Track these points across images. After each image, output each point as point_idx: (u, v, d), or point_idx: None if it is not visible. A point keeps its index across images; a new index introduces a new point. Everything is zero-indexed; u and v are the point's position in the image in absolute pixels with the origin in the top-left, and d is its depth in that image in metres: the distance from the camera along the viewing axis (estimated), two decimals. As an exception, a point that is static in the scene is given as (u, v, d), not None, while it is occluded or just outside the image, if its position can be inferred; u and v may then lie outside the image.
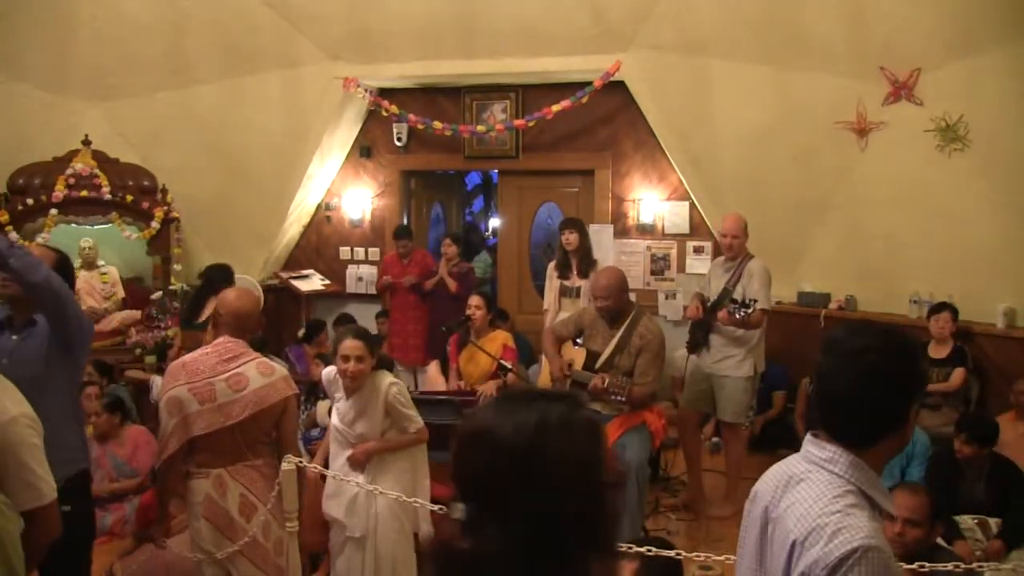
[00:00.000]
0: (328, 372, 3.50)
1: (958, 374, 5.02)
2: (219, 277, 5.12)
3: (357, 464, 3.36)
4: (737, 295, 4.72)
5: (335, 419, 3.45)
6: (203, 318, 4.95)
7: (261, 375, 3.00)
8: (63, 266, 2.96)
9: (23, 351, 2.81)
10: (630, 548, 2.74)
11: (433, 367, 5.35)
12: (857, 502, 1.43)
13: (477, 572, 1.06)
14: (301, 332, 6.59)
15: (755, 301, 4.54)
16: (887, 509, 1.49)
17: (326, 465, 3.55)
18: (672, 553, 2.77)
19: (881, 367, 1.47)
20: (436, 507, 3.30)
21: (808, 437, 1.56)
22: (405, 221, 7.59)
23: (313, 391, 5.62)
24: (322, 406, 5.49)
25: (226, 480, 2.94)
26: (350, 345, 3.26)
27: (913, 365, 1.52)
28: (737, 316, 4.52)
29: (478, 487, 1.09)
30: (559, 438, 1.09)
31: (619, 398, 4.09)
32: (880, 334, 1.52)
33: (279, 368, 3.13)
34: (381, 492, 3.26)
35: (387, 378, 3.38)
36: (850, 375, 1.48)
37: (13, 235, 5.78)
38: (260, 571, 3.00)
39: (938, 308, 5.23)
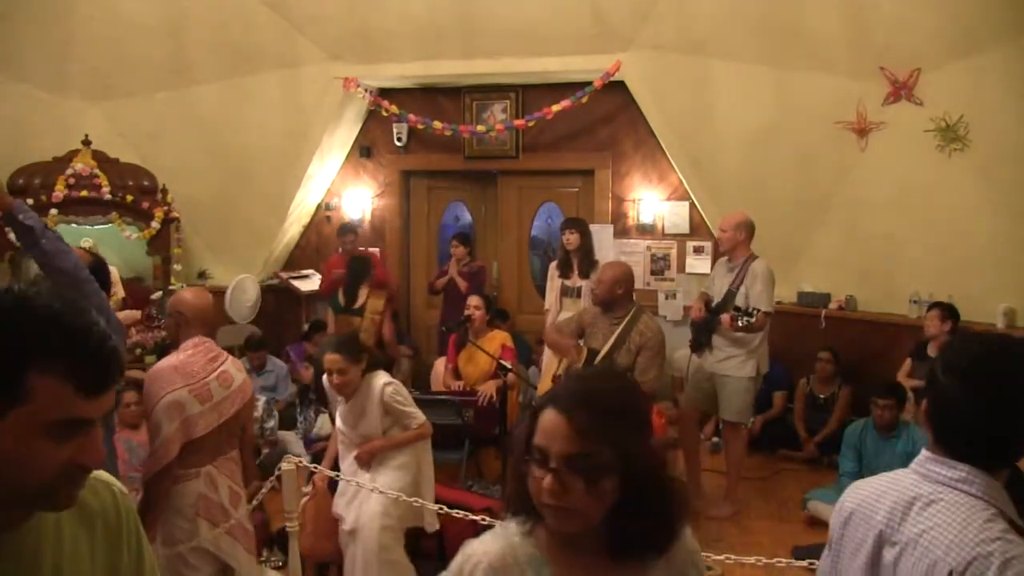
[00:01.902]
0: (326, 379, 3.52)
1: None
2: (364, 266, 6.03)
3: (363, 463, 3.40)
4: (740, 296, 4.70)
5: (339, 422, 3.48)
6: (358, 304, 5.88)
7: (238, 371, 3.11)
8: (97, 269, 2.97)
9: None
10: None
11: (440, 363, 5.40)
12: (1007, 526, 1.37)
13: None
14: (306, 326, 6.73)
15: (757, 310, 4.54)
16: (1021, 527, 1.43)
17: (334, 468, 3.58)
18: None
19: (1016, 386, 1.38)
20: (439, 507, 3.31)
21: (925, 455, 1.48)
22: (404, 221, 7.58)
23: (306, 392, 5.62)
24: (322, 419, 5.52)
25: (215, 475, 3.00)
26: (328, 359, 3.32)
27: None
28: (740, 323, 4.52)
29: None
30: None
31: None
32: (1006, 346, 1.44)
33: (240, 362, 3.27)
34: (378, 491, 3.28)
35: (381, 378, 3.40)
36: (981, 397, 1.39)
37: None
38: (252, 555, 3.12)
39: (931, 308, 5.22)
